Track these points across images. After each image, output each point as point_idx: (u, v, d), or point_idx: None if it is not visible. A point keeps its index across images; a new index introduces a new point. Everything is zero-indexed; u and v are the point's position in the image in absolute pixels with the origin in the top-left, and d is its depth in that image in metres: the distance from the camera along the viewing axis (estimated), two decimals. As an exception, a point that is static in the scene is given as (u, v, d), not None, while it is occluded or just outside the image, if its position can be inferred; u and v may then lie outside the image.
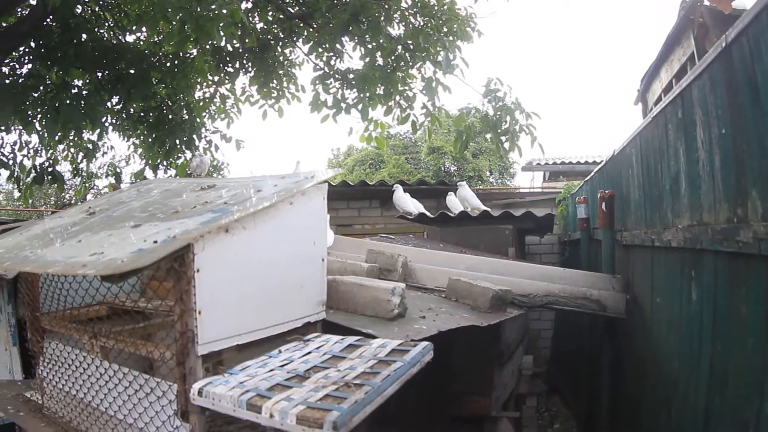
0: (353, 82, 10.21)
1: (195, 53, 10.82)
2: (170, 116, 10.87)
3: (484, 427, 4.93)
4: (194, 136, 11.12)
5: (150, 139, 11.08)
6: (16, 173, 10.82)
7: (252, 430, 2.96)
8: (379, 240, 6.64)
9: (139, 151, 11.98)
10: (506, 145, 9.51)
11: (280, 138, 65.87)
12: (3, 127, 9.85)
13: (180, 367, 2.37)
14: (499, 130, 9.42)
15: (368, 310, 3.54)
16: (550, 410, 8.36)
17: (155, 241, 2.31)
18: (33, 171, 10.74)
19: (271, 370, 2.45)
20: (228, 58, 10.89)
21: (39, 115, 9.76)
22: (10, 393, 3.72)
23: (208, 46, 10.23)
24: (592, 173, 7.43)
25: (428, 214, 8.80)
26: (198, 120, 11.41)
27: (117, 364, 2.70)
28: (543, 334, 9.87)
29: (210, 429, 2.45)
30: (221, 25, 6.86)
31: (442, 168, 28.05)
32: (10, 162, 10.63)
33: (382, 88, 10.11)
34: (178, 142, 10.86)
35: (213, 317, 2.41)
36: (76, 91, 10.06)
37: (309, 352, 2.67)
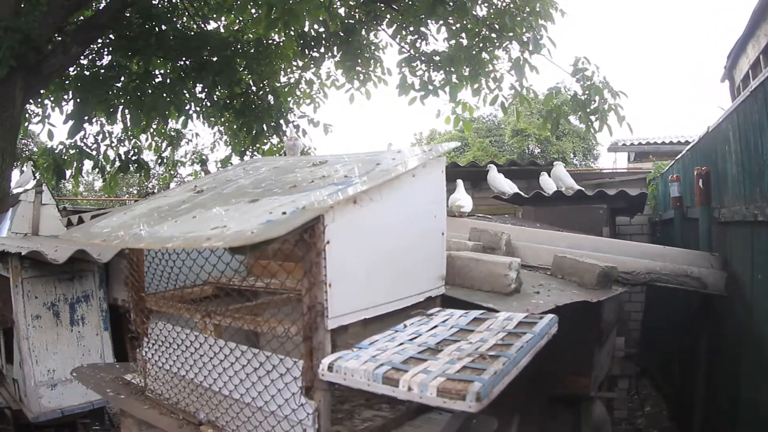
0: (439, 64, 10.23)
1: (279, 39, 11.00)
2: (256, 102, 10.98)
3: (580, 408, 4.84)
4: (281, 122, 11.22)
5: (236, 126, 11.30)
6: (100, 163, 11.05)
7: (366, 408, 2.92)
8: (476, 220, 6.58)
9: (225, 138, 12.18)
10: (596, 125, 9.44)
11: (363, 123, 66.15)
12: (86, 118, 10.01)
13: (307, 343, 2.32)
14: (588, 110, 9.35)
15: (485, 285, 3.49)
16: (640, 393, 8.24)
17: (284, 213, 2.26)
18: (117, 160, 10.97)
19: (401, 343, 2.39)
20: (312, 43, 10.99)
21: (122, 105, 9.96)
22: (109, 376, 3.74)
23: (292, 32, 10.32)
24: (684, 151, 7.29)
25: (522, 194, 8.72)
26: (284, 105, 11.52)
27: (233, 343, 2.66)
28: (633, 316, 9.69)
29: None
30: (309, 8, 6.92)
31: (526, 150, 28.02)
32: (94, 152, 10.89)
33: (468, 69, 10.10)
34: (265, 127, 10.96)
35: (342, 290, 2.36)
36: (159, 80, 10.24)
37: (435, 326, 2.61)
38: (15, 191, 8.05)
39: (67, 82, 10.68)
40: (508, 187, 8.54)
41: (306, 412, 2.34)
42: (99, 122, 11.16)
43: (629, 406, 7.52)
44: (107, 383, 3.60)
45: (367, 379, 2.10)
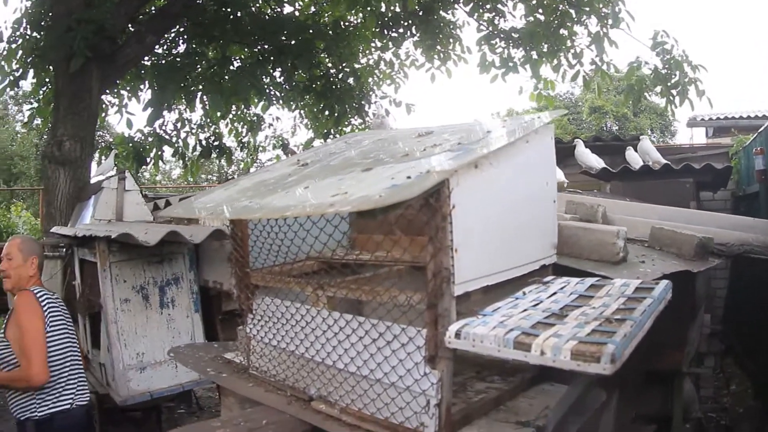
0: (519, 41, 10.24)
1: (357, 21, 11.11)
2: (337, 84, 11.11)
3: (669, 384, 4.76)
4: (363, 102, 11.31)
5: (317, 108, 11.49)
6: (180, 150, 11.26)
7: (478, 380, 2.86)
8: (570, 194, 6.52)
9: (305, 121, 12.32)
10: (677, 100, 9.32)
11: (444, 103, 66.01)
12: (165, 105, 10.19)
13: (431, 310, 2.25)
14: (669, 84, 9.24)
15: (593, 253, 3.43)
16: (725, 371, 8.10)
17: (408, 177, 2.20)
18: (199, 146, 11.17)
19: (525, 310, 2.33)
20: (391, 24, 11.08)
21: (200, 92, 10.12)
22: (208, 355, 3.73)
23: (368, 12, 10.43)
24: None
25: (610, 169, 8.67)
26: (366, 86, 11.74)
27: (350, 314, 2.62)
28: (718, 293, 9.51)
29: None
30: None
31: (604, 127, 27.84)
32: (174, 139, 11.11)
33: (546, 46, 10.08)
34: (347, 108, 11.05)
35: (466, 256, 2.29)
36: (238, 65, 10.39)
37: (554, 293, 2.54)
38: (96, 179, 8.20)
39: (143, 71, 10.90)
40: (596, 161, 8.51)
41: (430, 382, 2.28)
42: (177, 110, 11.40)
43: (714, 384, 7.43)
44: (207, 362, 3.60)
45: (498, 345, 2.04)
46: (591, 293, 2.50)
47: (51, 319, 4.34)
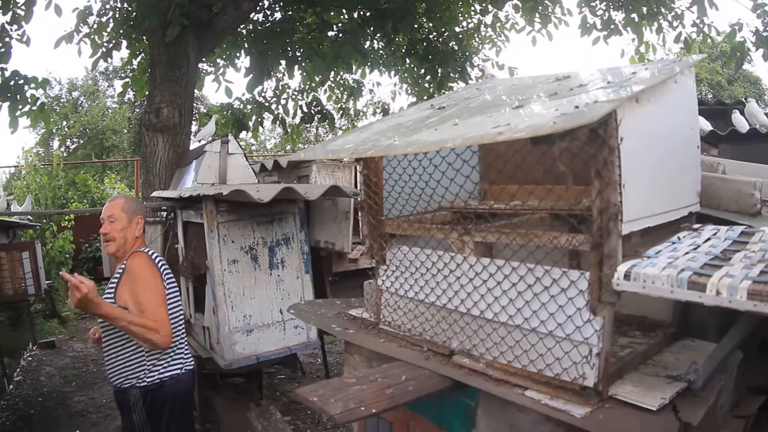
0: (619, 3, 10.00)
1: None
2: (439, 47, 11.07)
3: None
4: (466, 65, 11.23)
5: (420, 72, 11.53)
6: (280, 116, 11.34)
7: (620, 335, 2.72)
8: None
9: (405, 86, 12.32)
10: None
11: (541, 68, 65.74)
12: (266, 71, 10.23)
13: (596, 251, 2.11)
14: None
15: (731, 204, 3.23)
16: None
17: (576, 107, 2.06)
18: (300, 111, 11.23)
19: (686, 253, 2.17)
20: None
21: (300, 57, 10.15)
22: (330, 312, 3.64)
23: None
24: None
25: (718, 132, 8.57)
26: (468, 48, 11.67)
27: (501, 259, 2.48)
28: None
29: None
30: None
31: (699, 95, 27.21)
32: (273, 106, 11.19)
33: (646, 9, 9.83)
34: (450, 72, 11.01)
35: (633, 193, 2.14)
36: (337, 29, 10.40)
37: (708, 239, 2.38)
38: (198, 143, 8.24)
39: (240, 39, 10.99)
40: (704, 124, 8.26)
41: (593, 329, 2.14)
42: (275, 77, 11.48)
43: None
44: (330, 319, 3.50)
45: (671, 286, 1.91)
46: (744, 239, 2.36)
47: (167, 281, 4.22)
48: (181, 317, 4.34)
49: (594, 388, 2.18)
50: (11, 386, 9.24)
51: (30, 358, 10.96)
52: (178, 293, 4.33)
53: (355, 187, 6.89)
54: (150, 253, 4.25)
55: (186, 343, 4.43)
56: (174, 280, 4.33)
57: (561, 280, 2.23)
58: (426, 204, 3.21)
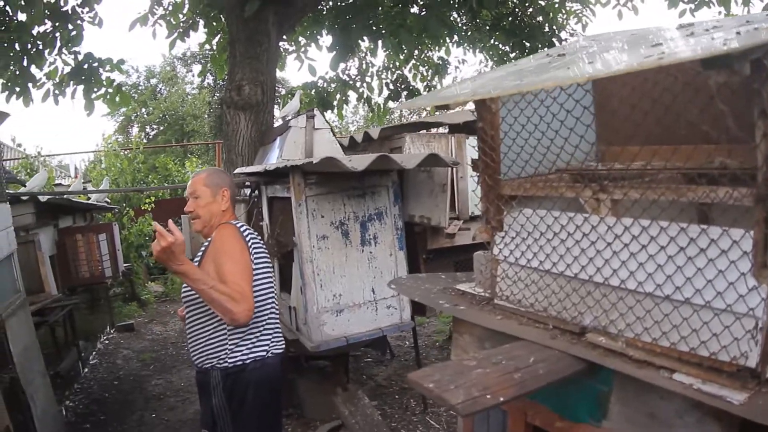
0: None
1: None
2: (527, 21, 10.88)
3: None
4: (554, 40, 11.01)
5: (504, 49, 11.38)
6: (365, 94, 11.27)
7: None
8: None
9: (490, 63, 12.16)
10: None
11: None
12: (349, 47, 10.13)
13: (761, 205, 1.80)
14: None
15: None
16: None
17: (737, 32, 1.77)
18: (385, 89, 11.16)
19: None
20: None
21: (384, 32, 10.02)
22: (436, 287, 3.35)
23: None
24: None
25: None
26: (555, 23, 11.47)
27: (645, 219, 2.18)
28: None
29: None
30: None
31: None
32: (357, 84, 11.13)
33: None
34: (539, 46, 10.81)
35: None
36: (422, 3, 10.26)
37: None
38: (282, 118, 8.09)
39: (320, 17, 10.92)
40: None
41: (761, 297, 1.83)
42: (358, 56, 11.40)
43: None
44: (436, 294, 3.21)
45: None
46: None
47: (255, 255, 3.91)
48: (271, 295, 4.02)
49: (753, 370, 1.86)
50: (86, 369, 9.26)
51: (107, 342, 11.01)
52: (268, 269, 4.03)
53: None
54: (238, 225, 3.97)
55: (276, 323, 4.08)
56: (265, 254, 4.03)
57: (722, 240, 1.93)
58: (538, 165, 2.91)
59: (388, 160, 4.74)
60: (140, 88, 36.42)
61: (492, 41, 11.65)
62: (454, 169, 5.51)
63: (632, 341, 2.20)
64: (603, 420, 2.29)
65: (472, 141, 5.76)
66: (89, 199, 12.71)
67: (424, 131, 6.46)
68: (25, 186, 12.30)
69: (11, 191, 8.83)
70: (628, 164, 2.66)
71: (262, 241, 4.07)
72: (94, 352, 10.14)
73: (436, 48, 12.21)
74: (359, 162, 4.67)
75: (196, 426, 6.30)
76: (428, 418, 6.63)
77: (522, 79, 2.30)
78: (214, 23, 11.27)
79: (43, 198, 7.90)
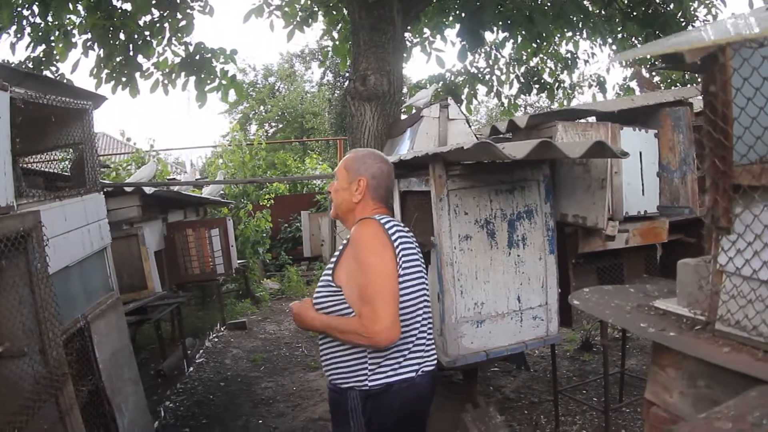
0: None
1: None
2: (661, 9, 10.44)
3: None
4: (689, 29, 10.44)
5: (637, 40, 10.98)
6: (495, 87, 11.04)
7: None
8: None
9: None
10: None
11: None
12: (478, 36, 9.73)
13: None
14: None
15: None
16: None
17: None
18: (516, 81, 10.91)
19: None
20: None
21: (516, 17, 9.67)
22: (628, 303, 2.71)
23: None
24: None
25: None
26: (688, 12, 11.04)
27: None
28: None
29: None
30: None
31: None
32: (487, 77, 10.88)
33: None
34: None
35: None
36: None
37: None
38: (416, 107, 7.64)
39: (446, 8, 10.68)
40: None
41: None
42: (484, 50, 11.10)
43: None
44: (633, 314, 2.56)
45: None
46: None
47: (404, 259, 3.28)
48: (424, 303, 3.40)
49: None
50: (191, 368, 8.97)
51: (216, 340, 10.70)
52: (419, 271, 3.41)
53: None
54: (383, 220, 3.33)
55: (428, 335, 3.44)
56: (415, 255, 3.42)
57: None
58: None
59: (552, 147, 4.00)
60: (258, 86, 36.99)
61: (621, 34, 11.20)
62: (609, 162, 4.83)
63: None
64: None
65: (626, 131, 5.10)
66: (200, 191, 12.59)
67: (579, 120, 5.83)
68: (109, 168, 12.17)
69: (113, 183, 8.65)
70: None
71: (413, 239, 3.48)
72: (201, 351, 9.86)
73: (563, 42, 11.91)
74: (517, 150, 3.97)
75: (306, 436, 5.85)
76: (561, 439, 6.01)
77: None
78: (334, 12, 11.00)
79: (149, 190, 7.55)
